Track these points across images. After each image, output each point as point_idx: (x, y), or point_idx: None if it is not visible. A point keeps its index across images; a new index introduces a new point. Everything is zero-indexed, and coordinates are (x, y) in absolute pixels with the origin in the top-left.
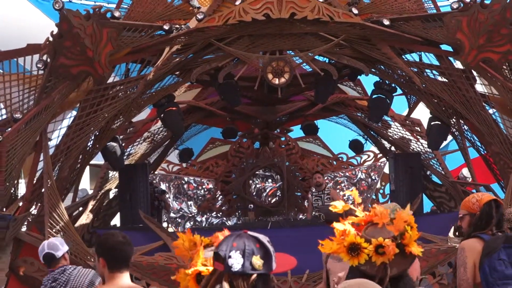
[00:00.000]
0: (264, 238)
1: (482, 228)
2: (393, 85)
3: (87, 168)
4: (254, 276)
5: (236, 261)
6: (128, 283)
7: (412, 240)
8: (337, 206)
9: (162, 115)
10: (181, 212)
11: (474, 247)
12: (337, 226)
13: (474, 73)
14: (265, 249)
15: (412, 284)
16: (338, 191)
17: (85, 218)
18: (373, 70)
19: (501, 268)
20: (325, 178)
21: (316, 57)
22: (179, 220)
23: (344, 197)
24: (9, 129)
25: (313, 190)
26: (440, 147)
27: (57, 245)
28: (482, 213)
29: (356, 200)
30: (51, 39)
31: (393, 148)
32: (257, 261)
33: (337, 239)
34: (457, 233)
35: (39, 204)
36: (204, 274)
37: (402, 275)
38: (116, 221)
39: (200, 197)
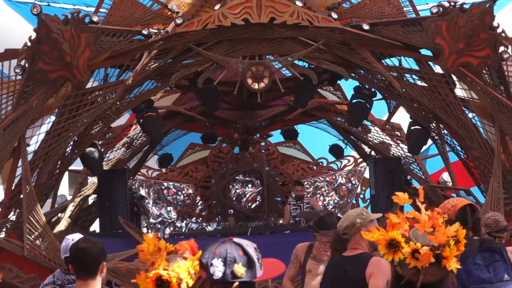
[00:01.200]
0: (249, 246)
1: None
2: (373, 89)
3: (66, 174)
4: (236, 284)
5: (217, 269)
6: None
7: (451, 255)
8: (400, 196)
9: (141, 120)
10: (160, 218)
11: None
12: (392, 217)
13: (454, 77)
14: (248, 256)
15: None
16: (318, 195)
17: (64, 224)
18: (352, 74)
19: (477, 273)
20: (305, 183)
21: (296, 61)
22: (159, 226)
23: (325, 202)
24: None
25: (292, 200)
26: (420, 152)
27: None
28: (457, 219)
29: (420, 196)
30: (29, 44)
31: (373, 153)
32: (239, 269)
33: (383, 230)
34: None
35: (17, 210)
36: (164, 279)
37: (437, 285)
38: (95, 227)
39: (180, 203)
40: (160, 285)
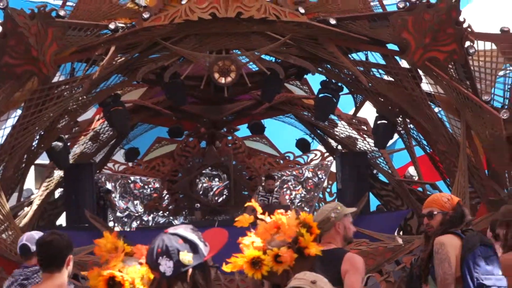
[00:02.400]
0: (185, 230)
1: (455, 225)
2: (339, 84)
3: (32, 167)
4: (190, 271)
5: (166, 266)
6: (61, 283)
7: (309, 242)
8: (242, 220)
9: (107, 114)
10: (127, 212)
11: (453, 242)
12: (244, 240)
13: (420, 72)
14: (189, 241)
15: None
16: (285, 189)
17: (30, 218)
18: (319, 69)
19: (482, 264)
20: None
21: (263, 56)
22: (126, 220)
23: (291, 196)
24: None
25: (261, 191)
26: (387, 146)
27: (34, 238)
28: (457, 212)
29: (257, 210)
30: None
31: (339, 147)
32: (185, 256)
33: (242, 255)
34: (401, 232)
35: None
36: (118, 281)
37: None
38: (61, 220)
39: (147, 196)
40: (111, 285)
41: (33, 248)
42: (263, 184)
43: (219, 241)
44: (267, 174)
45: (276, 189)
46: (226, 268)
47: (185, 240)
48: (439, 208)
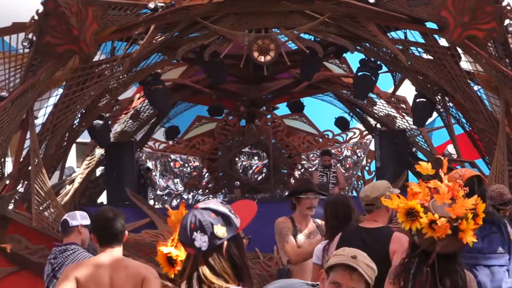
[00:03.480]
0: (216, 204)
1: None
2: (378, 62)
3: (74, 146)
4: (225, 244)
5: (201, 241)
6: (118, 256)
7: (468, 228)
8: (423, 165)
9: (148, 93)
10: (167, 190)
11: None
12: (413, 186)
13: (459, 50)
14: (221, 214)
15: (462, 269)
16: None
17: (72, 196)
18: (358, 47)
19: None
20: (311, 155)
21: (302, 35)
22: (166, 198)
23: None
24: None
25: (320, 167)
26: (426, 124)
27: (76, 215)
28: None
29: (444, 168)
30: (36, 17)
31: (378, 125)
32: (219, 230)
33: (403, 198)
34: None
35: (25, 182)
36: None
37: (455, 256)
38: (103, 198)
39: (187, 175)
40: (169, 258)
41: (72, 223)
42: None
43: (248, 213)
44: (323, 150)
45: (333, 164)
46: (385, 202)
47: (217, 213)
48: None
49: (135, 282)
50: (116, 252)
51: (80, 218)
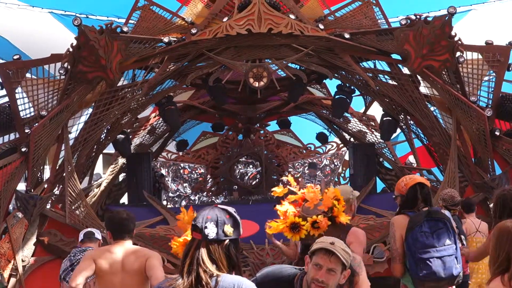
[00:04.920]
0: (232, 210)
1: (409, 207)
2: (352, 87)
3: (101, 156)
4: (227, 241)
5: (211, 230)
6: (129, 246)
7: (340, 212)
8: (277, 190)
9: (162, 112)
10: (177, 192)
11: (401, 222)
12: (279, 207)
13: (419, 77)
14: (234, 218)
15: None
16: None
17: (99, 197)
18: (336, 75)
19: (422, 239)
20: (296, 164)
21: (289, 64)
22: (176, 199)
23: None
24: (37, 124)
25: (306, 176)
26: (391, 138)
27: (98, 232)
28: (408, 195)
29: (291, 183)
30: (71, 49)
31: (352, 139)
32: (228, 229)
33: (281, 220)
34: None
35: (61, 185)
36: None
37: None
38: (124, 199)
39: (194, 180)
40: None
41: (96, 236)
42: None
43: (250, 229)
44: (310, 162)
45: (318, 174)
46: (269, 230)
47: (231, 216)
48: (397, 192)
49: (141, 261)
50: (127, 243)
51: (98, 235)
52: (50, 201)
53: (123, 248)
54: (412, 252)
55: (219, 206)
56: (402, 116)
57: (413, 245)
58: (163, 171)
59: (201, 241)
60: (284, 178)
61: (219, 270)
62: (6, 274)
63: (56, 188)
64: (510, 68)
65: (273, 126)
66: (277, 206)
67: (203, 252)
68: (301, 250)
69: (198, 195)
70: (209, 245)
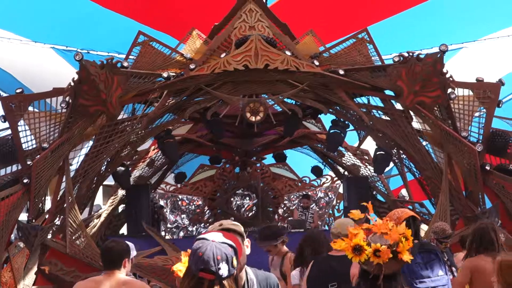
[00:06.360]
0: (225, 239)
1: None
2: (346, 122)
3: (101, 187)
4: (235, 272)
5: (224, 270)
6: (121, 278)
7: (404, 249)
8: (354, 214)
9: (161, 145)
10: (176, 223)
11: None
12: (351, 230)
13: (411, 113)
14: (234, 248)
15: (402, 282)
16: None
17: (99, 227)
18: (330, 110)
19: (417, 270)
20: (292, 196)
21: (285, 99)
22: (175, 230)
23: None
24: (38, 156)
25: (300, 208)
26: (384, 172)
27: (133, 246)
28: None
29: (370, 210)
30: (72, 84)
31: (346, 173)
32: (235, 261)
33: (347, 239)
34: None
35: (61, 216)
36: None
37: (395, 275)
38: (124, 230)
39: (191, 211)
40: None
41: (132, 253)
42: (300, 203)
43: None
44: (303, 194)
45: (312, 206)
46: (334, 245)
47: (231, 247)
48: None
49: None
50: (119, 274)
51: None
52: (51, 231)
53: (113, 280)
54: (408, 282)
55: (215, 240)
56: (395, 150)
57: (409, 275)
58: (162, 203)
59: (213, 281)
60: (363, 203)
61: None
62: None
63: (57, 219)
64: (500, 105)
65: (269, 159)
66: (349, 228)
67: None
68: (360, 274)
69: (195, 226)
70: (223, 281)
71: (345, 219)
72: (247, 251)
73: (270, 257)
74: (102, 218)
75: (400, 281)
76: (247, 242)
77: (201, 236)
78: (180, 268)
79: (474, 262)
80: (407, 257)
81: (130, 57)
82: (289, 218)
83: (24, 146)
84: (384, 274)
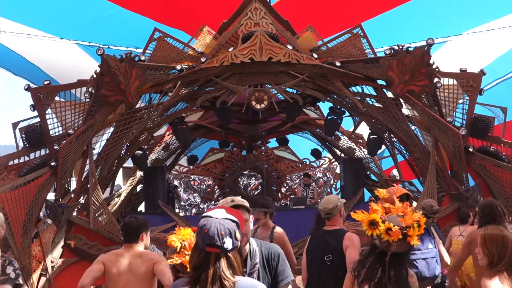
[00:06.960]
0: (228, 214)
1: None
2: (342, 109)
3: (121, 169)
4: (238, 243)
5: (229, 243)
6: (138, 250)
7: (414, 234)
8: (380, 192)
9: (175, 131)
10: (189, 201)
11: None
12: (373, 205)
13: (401, 100)
14: (236, 222)
15: (408, 263)
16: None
17: (119, 206)
18: (328, 98)
19: None
20: (294, 176)
21: (287, 89)
22: (187, 207)
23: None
24: (64, 141)
25: (302, 186)
26: (377, 154)
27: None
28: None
29: (397, 193)
30: (95, 76)
31: (342, 155)
32: (238, 234)
33: (366, 213)
34: None
35: (85, 195)
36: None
37: (402, 255)
38: (141, 208)
39: (203, 190)
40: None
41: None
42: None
43: (241, 219)
44: (305, 173)
45: (311, 184)
46: (354, 216)
47: (234, 221)
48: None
49: (148, 265)
50: (137, 247)
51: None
52: (76, 209)
53: (132, 252)
54: None
55: (218, 217)
56: (386, 134)
57: None
58: (176, 183)
59: (219, 254)
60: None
61: (235, 273)
62: (37, 274)
63: (82, 198)
64: (482, 93)
65: (272, 143)
66: (372, 203)
67: (223, 263)
68: (370, 246)
69: (206, 204)
70: (228, 254)
71: (330, 196)
72: (251, 226)
73: (254, 228)
74: (122, 197)
75: (407, 261)
76: (251, 218)
77: (205, 213)
78: (174, 239)
79: (473, 236)
80: (415, 241)
81: (147, 51)
82: (291, 196)
83: (51, 132)
84: (392, 252)
